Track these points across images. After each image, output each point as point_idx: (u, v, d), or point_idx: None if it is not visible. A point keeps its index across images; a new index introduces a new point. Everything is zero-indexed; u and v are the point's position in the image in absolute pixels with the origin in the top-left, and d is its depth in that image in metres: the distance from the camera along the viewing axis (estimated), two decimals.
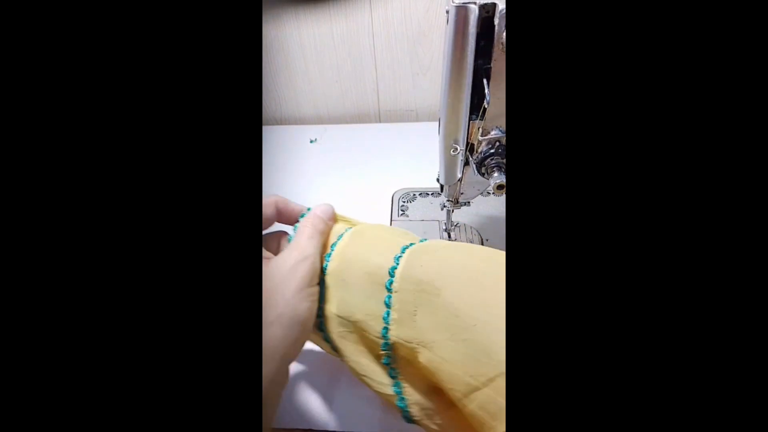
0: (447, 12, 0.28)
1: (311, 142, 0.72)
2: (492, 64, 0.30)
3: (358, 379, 0.32)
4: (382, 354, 0.30)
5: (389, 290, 0.29)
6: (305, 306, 0.28)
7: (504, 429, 0.23)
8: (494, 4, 0.28)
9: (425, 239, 0.33)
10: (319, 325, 0.32)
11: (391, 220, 0.56)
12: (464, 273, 0.27)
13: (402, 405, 0.29)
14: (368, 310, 0.29)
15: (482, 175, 0.36)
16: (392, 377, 0.30)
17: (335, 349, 0.32)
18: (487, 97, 0.31)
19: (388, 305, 0.29)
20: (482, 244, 0.51)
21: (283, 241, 0.35)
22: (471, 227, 0.53)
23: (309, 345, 0.32)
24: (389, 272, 0.29)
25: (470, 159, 0.37)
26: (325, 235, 0.33)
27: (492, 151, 0.35)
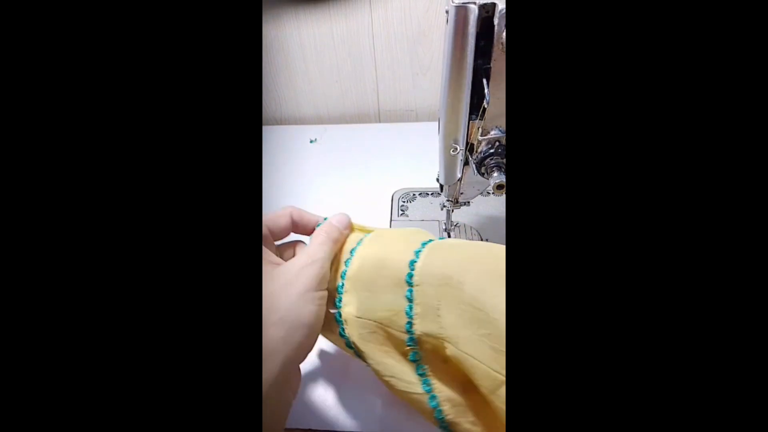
0: (447, 12, 0.28)
1: (311, 142, 0.72)
2: (492, 64, 0.30)
3: (384, 383, 0.31)
4: (408, 350, 0.29)
5: (410, 284, 0.28)
6: (310, 309, 0.28)
7: None
8: (494, 4, 0.28)
9: (443, 237, 0.32)
10: (341, 331, 0.31)
11: (391, 220, 0.56)
12: (486, 267, 0.27)
13: (434, 404, 0.29)
14: (390, 306, 0.29)
15: (482, 174, 0.36)
16: (420, 374, 0.29)
17: (358, 354, 0.32)
18: (487, 97, 0.31)
19: (410, 299, 0.28)
20: None
21: (298, 250, 0.35)
22: (471, 227, 0.52)
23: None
24: (409, 265, 0.29)
25: (470, 159, 0.37)
26: (339, 243, 0.33)
27: (492, 150, 0.35)
